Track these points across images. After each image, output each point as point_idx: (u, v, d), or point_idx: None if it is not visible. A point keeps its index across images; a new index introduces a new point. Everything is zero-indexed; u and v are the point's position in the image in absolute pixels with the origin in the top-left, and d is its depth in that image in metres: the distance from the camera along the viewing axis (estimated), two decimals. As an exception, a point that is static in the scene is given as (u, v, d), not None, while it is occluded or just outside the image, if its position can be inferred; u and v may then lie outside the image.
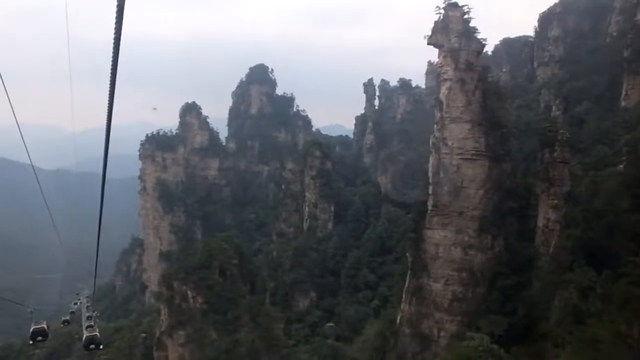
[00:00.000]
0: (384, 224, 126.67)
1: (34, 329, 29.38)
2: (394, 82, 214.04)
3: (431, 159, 61.90)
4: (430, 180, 61.32)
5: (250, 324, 74.57)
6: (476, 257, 59.04)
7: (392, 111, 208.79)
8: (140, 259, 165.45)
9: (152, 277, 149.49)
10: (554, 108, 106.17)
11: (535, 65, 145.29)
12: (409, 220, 68.52)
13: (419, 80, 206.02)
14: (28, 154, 21.86)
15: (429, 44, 61.04)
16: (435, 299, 60.37)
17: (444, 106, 59.46)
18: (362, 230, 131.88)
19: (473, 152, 59.18)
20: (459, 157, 59.32)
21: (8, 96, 13.55)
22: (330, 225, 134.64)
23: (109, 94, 7.27)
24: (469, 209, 59.47)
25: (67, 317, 51.70)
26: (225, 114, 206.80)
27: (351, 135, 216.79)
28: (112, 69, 6.72)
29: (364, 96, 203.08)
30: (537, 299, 53.52)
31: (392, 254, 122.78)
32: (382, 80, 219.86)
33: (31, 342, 30.07)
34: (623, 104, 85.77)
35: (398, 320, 64.46)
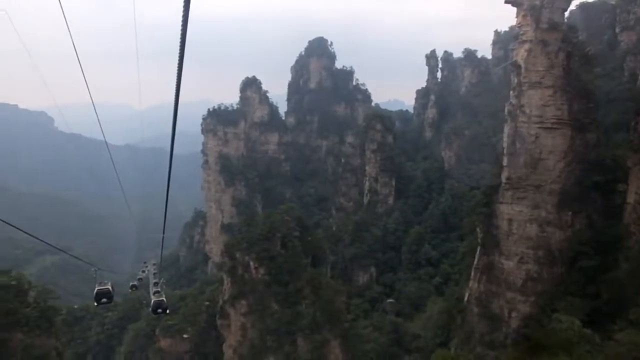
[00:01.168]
0: (447, 200, 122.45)
1: (98, 289, 27.97)
2: (457, 55, 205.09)
3: (506, 129, 57.47)
4: (505, 151, 57.04)
5: (312, 296, 74.09)
6: (554, 235, 54.69)
7: (455, 84, 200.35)
8: (203, 231, 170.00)
9: (214, 248, 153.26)
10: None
11: (618, 30, 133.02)
12: (479, 194, 64.62)
13: (484, 52, 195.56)
14: (102, 130, 23.59)
15: (506, 2, 56.03)
16: (508, 278, 56.80)
17: (522, 70, 54.55)
18: (424, 206, 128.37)
19: (554, 120, 54.21)
20: (538, 125, 54.57)
21: (85, 77, 15.08)
22: (391, 200, 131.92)
23: (177, 71, 7.34)
24: (547, 182, 54.88)
25: (135, 283, 53.23)
26: (284, 90, 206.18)
27: (411, 111, 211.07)
28: (180, 48, 6.72)
29: (423, 72, 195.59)
30: (626, 282, 48.83)
31: (456, 231, 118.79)
32: (445, 52, 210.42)
33: (96, 304, 28.49)
34: None
35: (466, 298, 61.51)
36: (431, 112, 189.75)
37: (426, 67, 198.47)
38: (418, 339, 76.34)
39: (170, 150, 11.19)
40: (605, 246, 52.50)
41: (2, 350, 54.14)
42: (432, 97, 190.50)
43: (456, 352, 61.02)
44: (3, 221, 14.19)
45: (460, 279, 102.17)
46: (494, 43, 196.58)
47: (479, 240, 60.35)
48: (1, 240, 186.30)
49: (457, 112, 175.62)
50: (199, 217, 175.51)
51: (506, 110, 57.91)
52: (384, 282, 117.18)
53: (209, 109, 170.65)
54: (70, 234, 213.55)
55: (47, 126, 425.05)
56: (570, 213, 54.53)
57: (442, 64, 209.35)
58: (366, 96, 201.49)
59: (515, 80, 55.72)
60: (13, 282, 57.02)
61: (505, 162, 56.95)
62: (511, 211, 56.51)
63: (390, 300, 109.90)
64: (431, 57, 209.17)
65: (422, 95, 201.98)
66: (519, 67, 55.03)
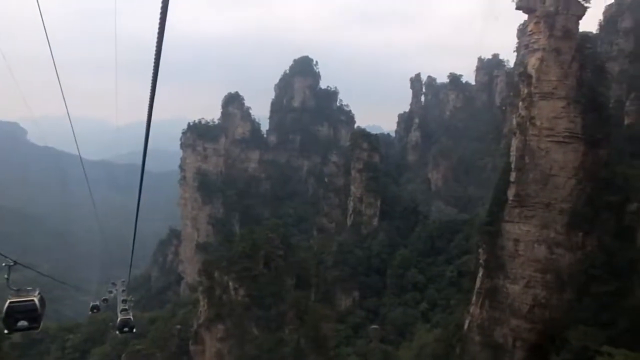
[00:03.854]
0: (434, 223, 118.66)
1: (10, 304, 14.88)
2: (440, 80, 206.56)
3: (514, 142, 53.85)
4: (513, 166, 53.27)
5: (296, 321, 68.41)
6: (564, 257, 50.76)
7: (438, 108, 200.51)
8: (177, 250, 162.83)
9: (188, 268, 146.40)
10: (627, 103, 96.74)
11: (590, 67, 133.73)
12: (484, 212, 60.46)
13: (467, 78, 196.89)
14: (77, 144, 22.58)
15: (517, 8, 53.14)
16: (513, 304, 52.38)
17: (533, 80, 51.39)
18: (410, 228, 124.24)
19: (566, 134, 50.89)
20: (549, 139, 51.12)
21: (62, 89, 14.64)
22: (375, 222, 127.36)
23: (151, 88, 7.36)
24: (557, 200, 51.20)
25: (97, 303, 46.94)
26: (266, 111, 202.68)
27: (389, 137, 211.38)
28: (154, 64, 6.72)
29: (402, 97, 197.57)
30: (642, 309, 44.95)
31: (443, 255, 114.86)
32: (429, 77, 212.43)
33: (6, 332, 15.50)
34: None
35: (466, 326, 56.73)
36: (414, 135, 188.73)
37: (404, 95, 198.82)
38: (410, 369, 70.91)
39: (141, 166, 10.86)
40: (619, 270, 48.71)
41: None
42: (416, 120, 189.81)
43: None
44: None
45: (448, 304, 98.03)
46: (478, 69, 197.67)
47: (482, 262, 56.03)
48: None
49: (442, 135, 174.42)
50: (173, 236, 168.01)
51: (515, 122, 54.49)
52: (367, 307, 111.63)
53: (188, 123, 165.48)
54: (36, 250, 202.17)
55: (19, 138, 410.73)
56: (581, 234, 50.82)
57: (425, 89, 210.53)
58: (349, 117, 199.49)
59: (526, 91, 52.43)
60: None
61: (512, 177, 53.14)
62: (518, 231, 52.51)
63: (375, 326, 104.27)
64: (416, 81, 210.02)
65: (405, 118, 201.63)
66: (530, 76, 51.87)
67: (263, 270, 71.44)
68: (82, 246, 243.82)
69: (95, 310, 48.07)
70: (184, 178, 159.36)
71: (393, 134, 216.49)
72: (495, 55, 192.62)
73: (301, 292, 75.32)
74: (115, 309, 46.41)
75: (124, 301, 40.68)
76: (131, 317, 31.60)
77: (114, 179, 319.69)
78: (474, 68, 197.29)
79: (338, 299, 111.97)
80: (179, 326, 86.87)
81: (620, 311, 46.99)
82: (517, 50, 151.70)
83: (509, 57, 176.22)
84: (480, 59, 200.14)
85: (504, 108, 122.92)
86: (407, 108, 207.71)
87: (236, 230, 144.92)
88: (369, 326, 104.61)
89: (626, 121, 76.93)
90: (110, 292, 62.49)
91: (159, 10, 5.77)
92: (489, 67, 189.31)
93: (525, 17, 56.33)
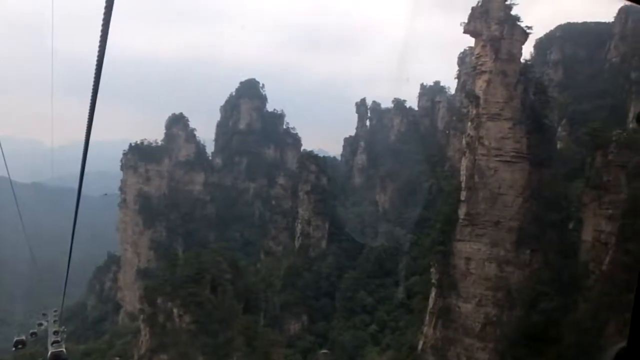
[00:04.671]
0: (382, 244, 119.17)
1: None
2: (385, 105, 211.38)
3: (464, 161, 54.96)
4: (463, 185, 54.24)
5: (245, 348, 65.49)
6: (513, 275, 51.75)
7: (383, 132, 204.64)
8: (116, 277, 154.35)
9: (128, 296, 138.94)
10: (559, 129, 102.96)
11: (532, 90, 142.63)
12: (435, 231, 61.03)
13: (411, 103, 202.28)
14: (6, 166, 21.00)
15: (465, 32, 54.98)
16: (465, 322, 52.61)
17: (481, 101, 52.97)
18: (358, 250, 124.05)
19: (513, 153, 52.56)
20: (497, 159, 52.57)
21: None
22: (324, 244, 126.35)
23: (90, 109, 7.30)
24: (506, 219, 52.47)
25: (22, 337, 42.57)
26: (211, 133, 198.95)
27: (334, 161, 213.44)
28: (94, 83, 6.59)
29: (347, 122, 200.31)
30: (586, 324, 46.23)
31: (391, 276, 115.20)
32: (374, 102, 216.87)
33: None
34: (631, 126, 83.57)
35: (420, 347, 56.30)
36: (361, 159, 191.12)
37: (350, 120, 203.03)
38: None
39: (78, 189, 10.45)
40: (565, 286, 50.11)
41: None
42: (362, 143, 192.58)
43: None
44: None
45: (398, 326, 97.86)
46: (421, 95, 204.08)
47: (434, 282, 56.13)
48: None
49: (387, 158, 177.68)
50: (112, 262, 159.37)
51: (464, 142, 55.75)
52: (316, 331, 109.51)
53: (130, 144, 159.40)
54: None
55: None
56: (528, 252, 52.12)
57: (370, 113, 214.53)
58: (296, 140, 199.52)
59: (474, 112, 53.92)
60: None
61: (463, 196, 54.04)
62: (469, 249, 53.15)
63: (324, 351, 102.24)
64: (361, 105, 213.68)
65: (351, 142, 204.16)
66: (477, 98, 53.44)
67: (209, 295, 68.24)
68: (11, 274, 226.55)
69: (20, 346, 43.71)
70: (124, 201, 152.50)
71: (339, 158, 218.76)
72: (437, 82, 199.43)
73: (249, 317, 72.51)
74: (46, 343, 42.52)
75: (56, 332, 38.05)
76: (64, 350, 30.64)
77: (48, 202, 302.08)
78: (417, 94, 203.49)
79: (287, 324, 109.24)
80: (117, 358, 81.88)
81: (567, 326, 48.12)
82: (458, 77, 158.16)
83: (450, 84, 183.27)
84: (422, 86, 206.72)
85: (447, 132, 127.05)
86: (352, 132, 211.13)
87: (179, 255, 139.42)
88: (318, 351, 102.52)
89: (558, 145, 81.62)
90: (40, 324, 57.68)
91: (100, 28, 5.47)
92: (431, 93, 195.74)
93: (464, 46, 58.86)
